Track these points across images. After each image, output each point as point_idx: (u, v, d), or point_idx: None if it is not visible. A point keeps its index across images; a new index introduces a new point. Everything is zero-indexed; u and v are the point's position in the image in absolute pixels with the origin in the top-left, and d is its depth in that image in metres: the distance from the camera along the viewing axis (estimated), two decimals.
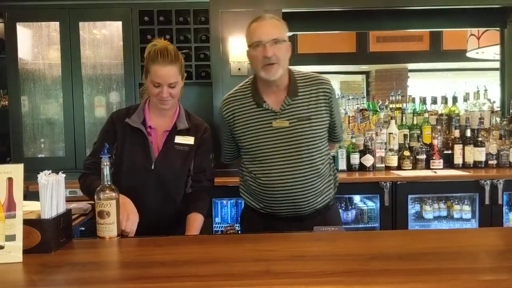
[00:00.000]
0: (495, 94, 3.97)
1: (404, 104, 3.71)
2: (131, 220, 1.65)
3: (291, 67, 1.92)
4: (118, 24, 3.40)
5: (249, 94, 1.90)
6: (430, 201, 3.29)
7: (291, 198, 1.85)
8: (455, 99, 3.68)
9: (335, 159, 3.17)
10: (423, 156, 3.34)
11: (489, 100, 3.62)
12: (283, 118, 1.83)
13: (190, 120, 1.94)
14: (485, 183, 3.05)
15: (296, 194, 1.84)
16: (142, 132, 1.86)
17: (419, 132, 3.43)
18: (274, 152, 1.84)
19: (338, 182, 2.04)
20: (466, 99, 3.72)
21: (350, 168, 3.29)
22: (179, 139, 1.89)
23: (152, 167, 1.84)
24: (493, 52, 4.62)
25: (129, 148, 1.86)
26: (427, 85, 8.33)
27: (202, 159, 1.94)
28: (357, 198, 3.39)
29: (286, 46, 1.81)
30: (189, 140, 1.90)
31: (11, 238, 1.28)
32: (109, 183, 1.54)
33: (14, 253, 1.27)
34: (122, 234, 1.57)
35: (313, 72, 1.97)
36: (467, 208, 3.22)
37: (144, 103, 1.93)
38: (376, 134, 3.34)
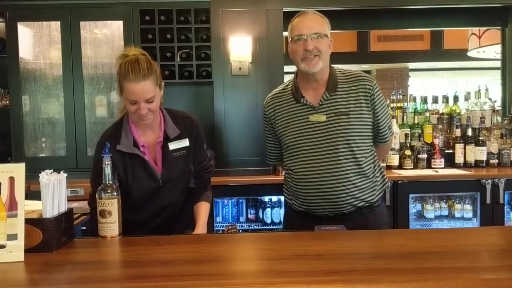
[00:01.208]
0: (496, 93, 3.97)
1: (405, 103, 3.71)
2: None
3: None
4: (119, 24, 3.39)
5: (289, 91, 1.91)
6: (431, 200, 3.29)
7: (326, 193, 1.81)
8: (456, 98, 3.68)
9: None
10: (424, 156, 3.34)
11: (490, 99, 3.63)
12: (320, 113, 1.83)
13: (177, 121, 1.87)
14: (486, 182, 3.05)
15: (331, 188, 1.81)
16: (138, 155, 1.80)
17: (420, 131, 3.43)
18: (311, 147, 1.83)
19: (387, 187, 1.96)
20: (467, 98, 3.72)
21: None
22: (173, 146, 1.84)
23: (160, 184, 1.84)
24: (494, 51, 4.62)
25: (132, 176, 1.81)
26: (428, 84, 8.32)
27: (199, 154, 1.94)
28: None
29: (328, 42, 1.83)
30: (184, 142, 1.86)
31: (12, 237, 1.29)
32: (110, 182, 1.54)
33: (16, 252, 1.28)
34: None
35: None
36: (468, 207, 3.22)
37: (127, 121, 1.83)
38: None
